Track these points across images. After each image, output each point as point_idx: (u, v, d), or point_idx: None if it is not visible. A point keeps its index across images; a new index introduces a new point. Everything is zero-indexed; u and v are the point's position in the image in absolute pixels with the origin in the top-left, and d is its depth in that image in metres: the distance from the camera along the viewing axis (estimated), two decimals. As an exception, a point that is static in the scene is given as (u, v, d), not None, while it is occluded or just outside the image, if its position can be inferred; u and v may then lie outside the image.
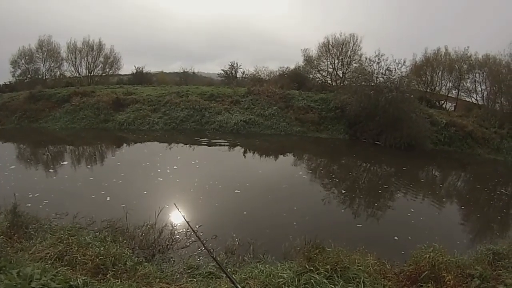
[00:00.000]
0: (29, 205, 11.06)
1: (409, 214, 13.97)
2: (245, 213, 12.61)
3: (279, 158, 23.77)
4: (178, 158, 21.29)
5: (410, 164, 23.90)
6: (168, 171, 17.72)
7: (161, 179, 16.22)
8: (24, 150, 23.88)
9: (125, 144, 25.61)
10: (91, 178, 16.41)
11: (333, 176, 19.81)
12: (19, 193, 11.24)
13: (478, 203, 17.18)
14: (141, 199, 12.94)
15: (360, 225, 12.70)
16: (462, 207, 16.20)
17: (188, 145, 24.75)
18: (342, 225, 12.70)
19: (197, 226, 10.59)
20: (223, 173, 18.63)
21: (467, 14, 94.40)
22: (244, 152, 24.18)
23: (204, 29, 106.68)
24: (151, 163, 19.01)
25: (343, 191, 16.94)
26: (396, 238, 11.16)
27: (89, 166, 19.20)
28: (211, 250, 9.26)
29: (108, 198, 13.08)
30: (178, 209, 4.02)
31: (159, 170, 17.50)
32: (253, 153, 23.99)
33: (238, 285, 1.01)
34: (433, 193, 17.95)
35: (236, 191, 15.11)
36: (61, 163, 19.75)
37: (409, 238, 10.75)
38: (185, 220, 3.60)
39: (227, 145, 25.74)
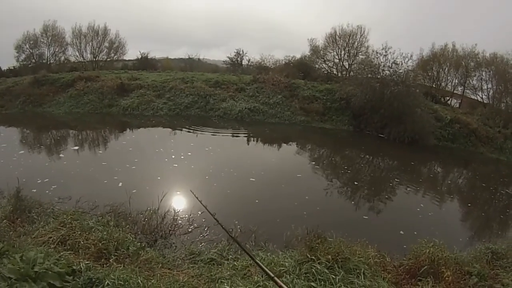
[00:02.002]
0: (35, 190, 11.01)
1: (418, 209, 14.00)
2: (257, 201, 12.65)
3: (290, 147, 23.96)
4: (192, 144, 21.19)
5: (417, 159, 23.90)
6: (183, 157, 17.68)
7: (176, 165, 16.25)
8: (30, 135, 23.87)
9: (128, 129, 25.63)
10: (104, 164, 16.42)
11: (345, 167, 19.81)
12: (27, 178, 11.40)
13: (481, 201, 17.25)
14: (153, 185, 12.86)
15: (367, 217, 12.74)
16: (467, 205, 16.24)
17: (198, 132, 24.69)
18: (349, 216, 12.82)
19: (200, 212, 10.60)
20: (238, 160, 18.74)
21: (478, 11, 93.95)
22: (257, 140, 24.20)
23: (210, 15, 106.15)
24: (165, 148, 18.97)
25: (356, 183, 16.96)
26: (402, 232, 11.18)
27: (100, 152, 19.23)
28: (230, 230, 9.35)
29: (120, 184, 13.04)
30: (196, 196, 3.98)
31: (173, 156, 17.46)
32: (264, 141, 24.01)
33: (264, 268, 0.98)
34: (441, 189, 18.05)
35: (251, 179, 15.20)
36: (72, 148, 19.75)
37: (415, 233, 10.73)
38: (203, 205, 3.56)
39: (241, 134, 25.76)
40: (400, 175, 19.56)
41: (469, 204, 16.25)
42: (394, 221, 12.62)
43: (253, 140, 24.21)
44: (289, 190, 14.43)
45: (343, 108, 31.90)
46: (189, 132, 24.63)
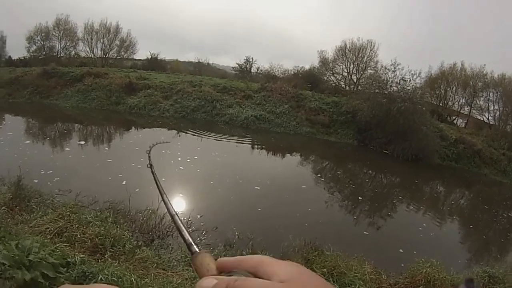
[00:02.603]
0: (36, 181, 11.01)
1: (420, 228, 13.91)
2: (259, 209, 12.59)
3: (295, 158, 24.05)
4: (198, 148, 21.25)
5: (420, 177, 23.80)
6: (189, 160, 17.68)
7: (182, 168, 16.23)
8: (36, 125, 23.98)
9: (134, 128, 25.68)
10: (110, 160, 16.44)
11: (349, 181, 19.73)
12: (31, 168, 11.40)
13: (482, 224, 17.17)
14: (164, 187, 12.78)
15: (367, 233, 12.66)
16: (469, 227, 16.18)
17: (203, 136, 24.66)
18: (350, 230, 12.77)
19: (198, 216, 10.59)
20: (244, 168, 18.72)
21: (487, 30, 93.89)
22: (263, 149, 24.21)
23: (221, 22, 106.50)
24: (172, 150, 18.78)
25: (359, 198, 16.94)
26: (401, 250, 11.11)
27: (106, 148, 19.32)
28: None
29: (124, 182, 13.03)
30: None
31: (179, 159, 17.41)
32: (270, 150, 24.06)
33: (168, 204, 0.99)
34: (443, 209, 18.00)
35: (256, 187, 15.11)
36: (78, 142, 19.79)
37: (414, 252, 10.62)
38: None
39: (247, 142, 25.68)
40: (403, 192, 19.48)
41: (471, 226, 16.18)
42: (394, 239, 12.54)
43: (259, 148, 24.23)
44: (293, 201, 14.37)
45: (348, 121, 31.76)
46: (194, 135, 24.60)
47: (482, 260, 11.95)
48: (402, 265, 8.98)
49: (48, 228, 7.17)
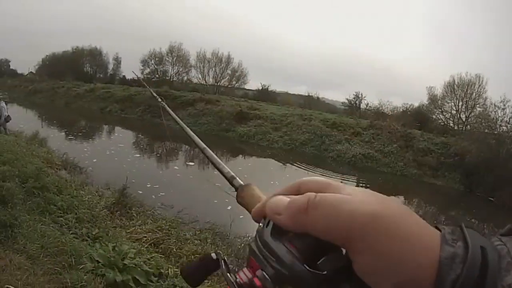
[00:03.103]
0: (141, 192, 11.24)
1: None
2: None
3: (401, 200, 22.83)
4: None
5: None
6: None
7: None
8: (145, 141, 24.97)
9: (241, 156, 25.93)
10: (218, 185, 16.60)
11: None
12: (137, 180, 11.69)
13: None
14: None
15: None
16: None
17: (310, 171, 24.25)
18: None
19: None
20: None
21: None
22: (369, 188, 23.51)
23: (332, 57, 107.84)
24: (280, 182, 18.72)
25: None
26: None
27: (215, 172, 19.54)
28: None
29: (229, 207, 13.01)
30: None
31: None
32: (375, 191, 23.31)
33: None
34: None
35: None
36: (187, 163, 20.29)
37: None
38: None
39: (352, 180, 24.99)
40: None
41: None
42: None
43: (367, 188, 23.51)
44: None
45: (456, 164, 29.46)
46: (300, 168, 24.37)
47: None
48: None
49: (145, 237, 7.26)
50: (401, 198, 23.20)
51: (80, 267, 4.66)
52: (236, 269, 0.58)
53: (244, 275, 0.55)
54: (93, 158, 15.95)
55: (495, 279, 0.40)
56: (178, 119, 1.36)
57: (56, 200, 6.91)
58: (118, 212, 8.44)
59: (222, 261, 0.65)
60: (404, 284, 0.44)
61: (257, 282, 0.52)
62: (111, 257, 5.02)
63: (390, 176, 27.35)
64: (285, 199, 0.55)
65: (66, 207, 6.82)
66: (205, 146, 1.04)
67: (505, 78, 72.64)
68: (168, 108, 1.54)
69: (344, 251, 0.51)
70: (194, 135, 1.13)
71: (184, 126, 1.25)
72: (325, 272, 0.49)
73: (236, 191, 0.81)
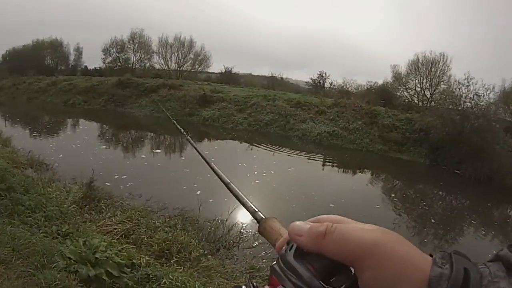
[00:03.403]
0: (109, 184, 11.30)
1: (489, 255, 13.21)
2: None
3: (370, 176, 23.63)
4: (274, 163, 21.20)
5: (492, 200, 22.47)
6: (265, 174, 17.56)
7: (258, 181, 16.09)
8: (111, 132, 24.92)
9: (206, 139, 26.05)
10: (186, 170, 16.62)
11: (424, 203, 19.14)
12: (105, 172, 11.80)
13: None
14: (232, 198, 12.73)
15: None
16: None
17: (276, 151, 24.61)
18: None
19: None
20: (319, 184, 18.49)
21: None
22: (338, 166, 24.23)
23: (294, 37, 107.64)
24: (248, 164, 18.99)
25: (432, 220, 16.37)
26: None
27: (183, 158, 19.59)
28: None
29: (198, 192, 13.10)
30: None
31: (255, 173, 17.35)
32: (344, 168, 24.04)
33: (219, 172, 1.03)
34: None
35: (331, 205, 14.79)
36: (154, 150, 20.44)
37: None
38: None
39: (321, 159, 25.52)
40: (474, 216, 18.61)
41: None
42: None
43: (333, 165, 24.16)
44: (366, 220, 14.01)
45: (421, 139, 30.46)
46: (266, 149, 24.65)
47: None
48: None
49: (115, 229, 7.30)
50: (368, 173, 23.67)
51: (53, 266, 4.69)
52: None
53: None
54: (59, 153, 15.79)
55: None
56: (201, 151, 1.45)
57: (23, 200, 6.88)
58: (87, 206, 8.42)
59: None
60: None
61: None
62: (82, 252, 5.06)
63: (356, 153, 27.84)
64: (307, 225, 0.70)
65: (34, 206, 6.78)
66: (229, 181, 1.12)
67: (470, 56, 74.42)
68: (191, 141, 1.70)
69: (352, 270, 0.64)
70: (218, 170, 1.25)
71: (208, 160, 1.37)
72: None
73: (258, 223, 0.91)
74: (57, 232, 6.10)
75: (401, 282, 0.58)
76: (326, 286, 0.63)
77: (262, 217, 0.91)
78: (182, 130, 1.78)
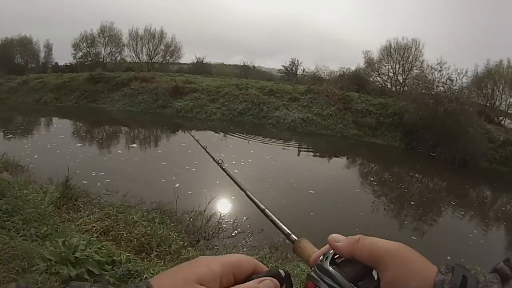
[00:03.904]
0: (85, 182, 11.21)
1: (471, 235, 13.49)
2: (312, 213, 12.44)
3: (347, 161, 23.89)
4: (252, 151, 21.29)
5: (469, 181, 23.01)
6: (243, 163, 17.64)
7: (236, 171, 15.73)
8: (86, 128, 24.77)
9: (181, 131, 26.01)
10: (164, 163, 16.61)
11: (403, 186, 19.48)
12: (82, 170, 11.79)
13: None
14: (212, 188, 12.46)
15: (415, 238, 12.39)
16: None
17: (251, 139, 24.83)
18: (400, 235, 12.43)
19: (245, 218, 10.52)
20: (298, 171, 18.57)
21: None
22: (315, 152, 24.27)
23: (266, 25, 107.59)
24: (226, 153, 18.91)
25: (412, 202, 16.61)
26: (448, 258, 10.74)
27: (160, 151, 19.60)
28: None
29: (177, 185, 13.11)
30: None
31: (233, 162, 17.28)
32: (322, 153, 24.16)
33: (255, 200, 1.14)
34: (494, 215, 17.38)
35: (311, 191, 14.95)
36: (130, 145, 20.39)
37: (462, 260, 10.25)
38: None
39: (293, 145, 25.76)
40: (452, 197, 18.92)
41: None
42: (443, 245, 12.16)
43: (311, 152, 24.28)
44: (346, 205, 14.33)
45: (396, 124, 31.01)
46: (241, 138, 24.75)
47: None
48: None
49: (94, 226, 7.29)
50: (345, 159, 23.90)
51: (34, 269, 4.69)
52: None
53: None
54: (35, 154, 15.59)
55: None
56: (235, 178, 1.54)
57: (0, 204, 6.86)
58: (65, 206, 8.36)
59: (288, 279, 0.90)
60: None
61: None
62: (62, 252, 5.04)
63: (331, 138, 28.19)
64: (342, 236, 0.86)
65: (11, 210, 6.70)
66: (264, 207, 1.21)
67: (441, 42, 75.03)
68: (227, 171, 1.76)
69: (375, 275, 0.79)
70: (254, 197, 1.30)
71: (244, 188, 1.45)
72: None
73: (292, 244, 1.01)
74: (36, 234, 6.05)
75: (414, 280, 0.73)
76: (355, 287, 0.77)
77: (296, 239, 1.01)
78: (216, 160, 1.89)
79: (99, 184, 11.95)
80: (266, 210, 1.19)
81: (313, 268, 0.85)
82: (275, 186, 14.71)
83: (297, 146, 25.22)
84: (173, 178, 13.94)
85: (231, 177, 1.48)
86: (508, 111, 42.30)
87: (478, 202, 19.59)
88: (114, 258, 5.72)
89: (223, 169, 1.72)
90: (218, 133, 25.69)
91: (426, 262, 0.77)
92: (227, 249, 8.49)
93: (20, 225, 6.27)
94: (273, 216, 1.15)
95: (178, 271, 0.72)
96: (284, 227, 1.08)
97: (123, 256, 5.88)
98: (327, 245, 0.88)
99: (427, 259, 0.78)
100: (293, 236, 1.03)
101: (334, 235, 0.87)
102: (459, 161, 25.50)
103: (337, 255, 0.85)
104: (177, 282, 0.68)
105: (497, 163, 27.73)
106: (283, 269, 0.87)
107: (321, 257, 0.87)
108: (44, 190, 9.28)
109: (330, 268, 0.81)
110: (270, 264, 7.57)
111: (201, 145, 2.19)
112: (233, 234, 9.68)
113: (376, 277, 0.79)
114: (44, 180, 10.86)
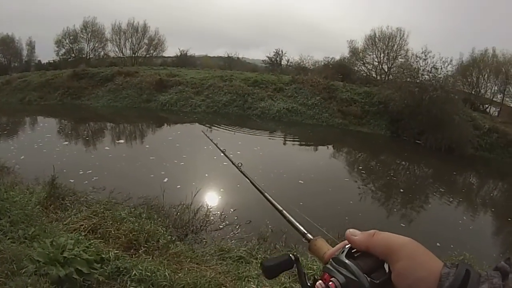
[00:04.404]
0: (72, 181, 11.15)
1: (460, 221, 13.73)
2: (301, 203, 12.52)
3: (335, 151, 24.11)
4: (240, 143, 21.41)
5: (456, 168, 23.36)
6: (232, 155, 17.43)
7: (225, 163, 15.98)
8: (71, 126, 24.72)
9: (166, 124, 26.03)
10: (152, 158, 16.60)
11: (391, 174, 19.75)
12: (69, 169, 11.79)
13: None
14: (201, 182, 12.73)
15: (404, 225, 12.56)
16: (507, 219, 15.57)
17: (236, 131, 24.90)
18: (389, 223, 12.64)
19: (232, 210, 10.62)
20: (287, 162, 18.69)
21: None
22: (302, 142, 24.52)
23: (250, 16, 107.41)
24: (214, 146, 18.91)
25: (401, 190, 16.80)
26: (438, 244, 10.86)
27: (147, 146, 19.57)
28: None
29: (165, 180, 13.13)
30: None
31: (221, 154, 17.28)
32: (310, 143, 24.47)
33: (272, 201, 1.25)
34: (483, 201, 17.67)
35: (300, 181, 15.09)
36: (117, 141, 20.43)
37: (451, 246, 10.36)
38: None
39: (286, 136, 25.98)
40: (440, 184, 19.11)
41: (509, 219, 15.68)
42: (433, 232, 12.29)
43: (297, 141, 24.50)
44: (335, 194, 14.45)
45: (381, 112, 31.38)
46: (226, 130, 24.78)
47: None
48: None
49: (82, 225, 7.26)
50: (332, 148, 24.05)
51: (23, 272, 4.70)
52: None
53: (320, 284, 0.92)
54: (21, 155, 15.48)
55: (474, 286, 0.78)
56: (255, 183, 1.69)
57: (-14, 208, 6.77)
58: (52, 205, 8.33)
59: (298, 262, 1.05)
60: (420, 281, 0.82)
61: (332, 285, 0.88)
62: (50, 253, 5.05)
63: (316, 127, 28.42)
64: (358, 231, 0.96)
65: None
66: (281, 208, 1.30)
67: (426, 31, 75.33)
68: (246, 174, 1.93)
69: (386, 268, 0.90)
70: (272, 199, 1.40)
71: (262, 190, 1.56)
72: (377, 281, 0.87)
73: (308, 243, 1.11)
74: (24, 236, 6.04)
75: (422, 271, 0.83)
76: (369, 278, 0.87)
77: (311, 238, 1.11)
78: (235, 163, 1.95)
79: (86, 182, 11.95)
80: (284, 211, 1.28)
81: (329, 261, 0.95)
82: (265, 177, 14.75)
83: (285, 137, 25.41)
84: (162, 172, 13.97)
85: (250, 181, 1.58)
86: (493, 99, 42.75)
87: (466, 189, 19.84)
88: (103, 256, 5.72)
89: (242, 172, 1.78)
90: (205, 126, 25.71)
91: (433, 256, 0.88)
92: (216, 241, 8.53)
93: (8, 228, 6.23)
94: (290, 217, 1.23)
95: None
96: (301, 227, 1.16)
97: (111, 254, 5.89)
98: (342, 242, 1.00)
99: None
100: (309, 235, 1.13)
101: (351, 230, 0.97)
102: (445, 148, 25.92)
103: (353, 250, 0.94)
104: None
105: (482, 150, 28.33)
106: (293, 254, 1.04)
107: (338, 251, 0.96)
108: (30, 190, 9.24)
109: (347, 260, 0.91)
110: (259, 255, 7.67)
111: (219, 148, 2.25)
112: (221, 227, 9.78)
113: (387, 270, 0.90)
114: (31, 180, 10.82)
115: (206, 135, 2.86)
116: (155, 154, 17.26)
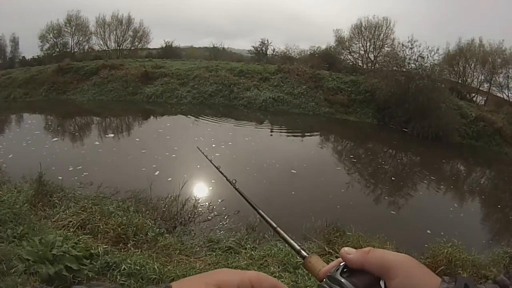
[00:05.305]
0: (61, 177, 11.04)
1: (451, 209, 13.93)
2: (293, 193, 12.61)
3: (324, 140, 24.25)
4: (230, 133, 21.45)
5: (445, 156, 23.65)
6: (223, 146, 17.74)
7: (218, 154, 15.98)
8: (58, 122, 24.46)
9: (152, 116, 26.04)
10: (144, 151, 16.58)
11: (383, 162, 19.99)
12: (59, 165, 11.80)
13: (504, 204, 16.65)
14: (193, 174, 12.82)
15: (394, 212, 12.72)
16: (496, 206, 15.81)
17: (224, 122, 24.87)
18: (379, 211, 12.83)
19: (219, 201, 10.68)
20: (280, 152, 18.72)
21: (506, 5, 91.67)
22: (290, 132, 24.62)
23: (236, 6, 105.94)
24: (205, 137, 19.06)
25: (393, 178, 16.97)
26: (428, 231, 10.97)
27: (137, 139, 19.47)
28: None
29: (157, 173, 13.15)
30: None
31: (213, 145, 17.50)
32: (299, 133, 24.58)
33: (267, 219, 1.26)
34: (472, 189, 17.86)
35: (293, 171, 15.18)
36: (107, 136, 20.24)
37: (442, 233, 10.44)
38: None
39: (273, 126, 26.05)
40: (430, 172, 19.27)
41: (499, 206, 15.87)
42: (423, 219, 12.44)
43: (284, 131, 24.60)
44: (327, 183, 14.64)
45: (367, 100, 31.42)
46: (212, 121, 24.81)
47: (503, 241, 11.74)
48: (426, 245, 8.86)
49: (71, 221, 7.27)
50: (321, 137, 24.13)
51: (13, 271, 4.69)
52: None
53: None
54: (9, 154, 15.38)
55: None
56: (248, 198, 1.57)
57: (-26, 209, 6.70)
58: (40, 203, 8.33)
59: None
60: None
61: None
62: (39, 251, 5.06)
63: (303, 117, 28.41)
64: (352, 250, 0.92)
65: None
66: (275, 225, 1.27)
67: (413, 20, 75.40)
68: (240, 191, 1.71)
69: (382, 285, 0.86)
70: (266, 216, 1.37)
71: (256, 207, 1.49)
72: None
73: (303, 260, 1.07)
74: (13, 235, 6.02)
75: (421, 286, 0.81)
76: None
77: (306, 255, 1.07)
78: (232, 181, 1.96)
79: (76, 178, 11.97)
80: (278, 228, 1.26)
81: (324, 280, 0.91)
82: (257, 167, 14.95)
83: (273, 127, 25.53)
84: (153, 166, 14.00)
85: (244, 197, 1.57)
86: (480, 88, 42.98)
87: (455, 177, 20.04)
88: (92, 251, 5.77)
89: (236, 189, 1.81)
90: (190, 117, 25.75)
91: (430, 273, 0.85)
92: (204, 233, 8.61)
93: (-4, 228, 6.22)
94: (284, 234, 1.21)
95: (198, 277, 0.81)
96: (295, 244, 1.13)
97: (100, 249, 5.93)
98: (337, 260, 0.96)
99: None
100: (303, 252, 1.09)
101: (346, 248, 0.94)
102: (432, 136, 26.10)
103: (346, 269, 0.91)
104: (196, 285, 0.78)
105: (469, 138, 28.52)
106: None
107: (332, 269, 0.93)
108: (18, 189, 9.15)
109: (342, 279, 0.87)
110: (248, 245, 7.74)
111: (214, 165, 2.24)
112: (209, 218, 9.84)
113: (383, 287, 0.87)
114: (19, 179, 10.69)
115: (201, 151, 2.87)
116: (146, 147, 17.21)
